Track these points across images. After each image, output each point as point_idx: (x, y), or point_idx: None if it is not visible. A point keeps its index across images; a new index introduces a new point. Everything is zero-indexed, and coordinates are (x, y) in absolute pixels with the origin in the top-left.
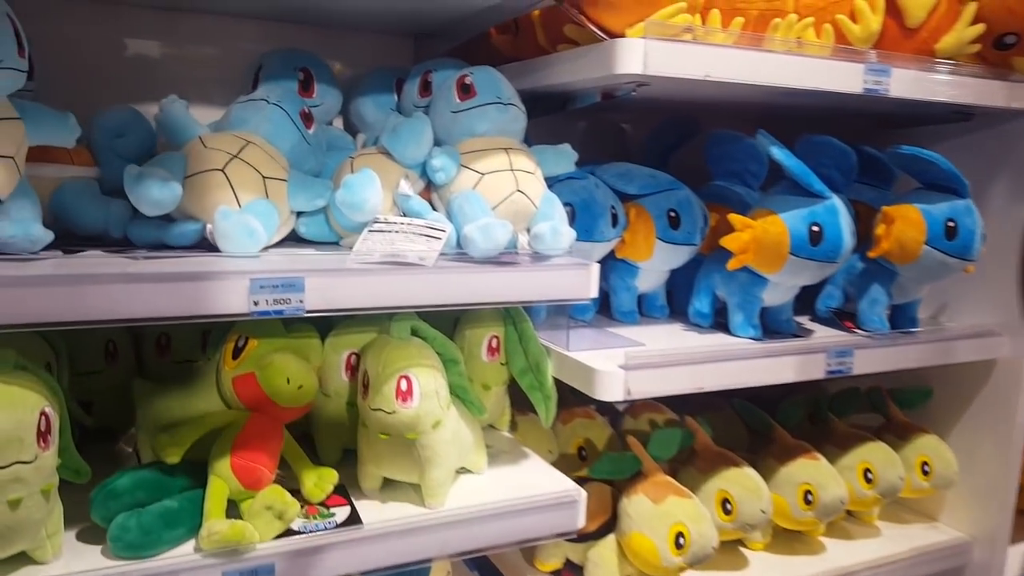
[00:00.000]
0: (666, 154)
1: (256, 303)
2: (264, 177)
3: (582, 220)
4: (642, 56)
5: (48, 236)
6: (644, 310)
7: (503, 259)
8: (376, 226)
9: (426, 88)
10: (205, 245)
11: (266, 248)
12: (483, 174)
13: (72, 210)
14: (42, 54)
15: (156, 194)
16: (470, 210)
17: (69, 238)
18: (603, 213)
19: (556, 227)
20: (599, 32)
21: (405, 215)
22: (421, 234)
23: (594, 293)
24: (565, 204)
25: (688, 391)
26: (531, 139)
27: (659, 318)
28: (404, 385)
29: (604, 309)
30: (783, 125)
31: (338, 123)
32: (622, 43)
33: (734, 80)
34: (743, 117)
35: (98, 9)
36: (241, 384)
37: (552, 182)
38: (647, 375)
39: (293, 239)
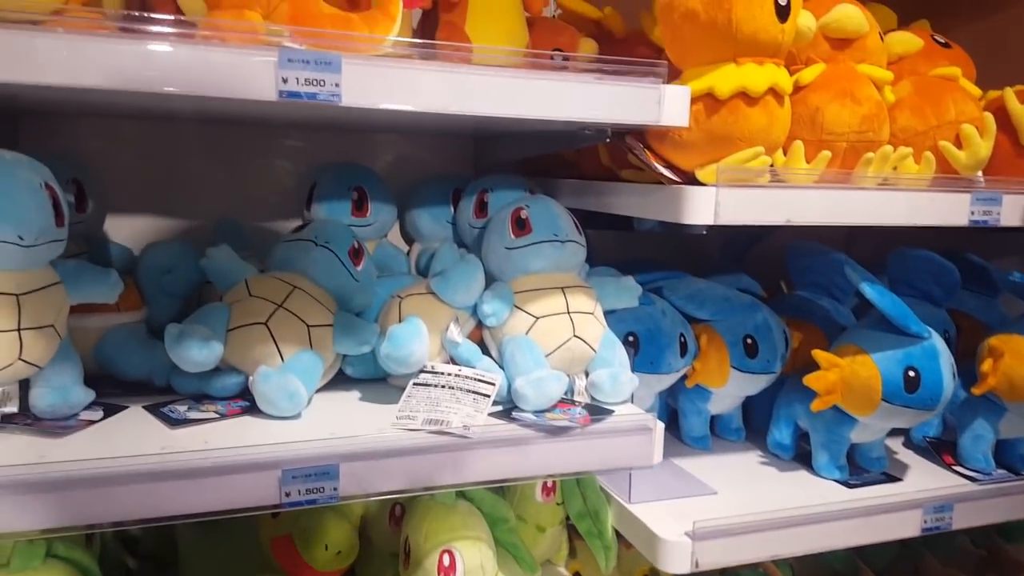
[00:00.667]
0: (742, 252)
1: (288, 494)
2: (309, 326)
3: (647, 351)
4: (713, 206)
5: (88, 397)
6: (717, 430)
7: (555, 422)
8: (422, 377)
9: (482, 208)
10: (248, 395)
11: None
12: (537, 318)
13: (116, 359)
14: (96, 174)
15: (196, 355)
16: (522, 360)
17: (114, 381)
18: (670, 344)
19: (616, 375)
20: (665, 173)
21: (454, 360)
22: (469, 390)
23: (657, 459)
24: (628, 333)
25: (763, 559)
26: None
27: (734, 442)
28: (447, 561)
29: (673, 425)
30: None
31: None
32: (690, 192)
33: (818, 223)
34: None
35: (149, 125)
36: (279, 547)
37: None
38: (717, 545)
39: (340, 377)
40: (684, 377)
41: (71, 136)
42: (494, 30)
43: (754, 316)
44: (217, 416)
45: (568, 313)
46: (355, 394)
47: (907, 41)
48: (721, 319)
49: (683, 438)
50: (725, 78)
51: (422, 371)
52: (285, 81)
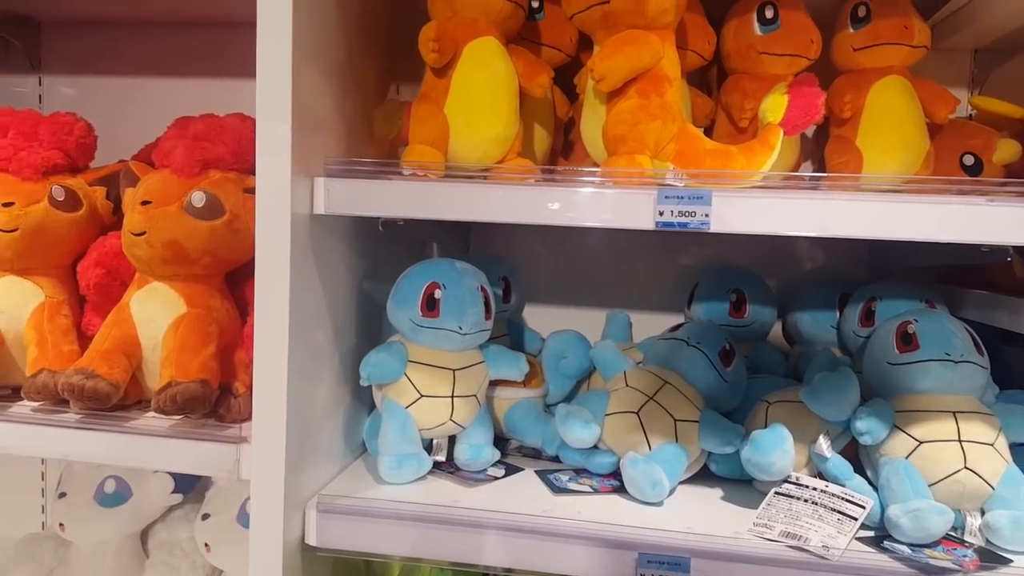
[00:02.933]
0: None
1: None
2: (676, 420)
3: None
4: None
5: (495, 456)
6: None
7: (934, 560)
8: (785, 487)
9: (868, 317)
10: (620, 475)
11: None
12: (921, 442)
13: (519, 426)
14: (521, 272)
15: (579, 434)
16: (899, 487)
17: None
18: None
19: (1018, 519)
20: None
21: (821, 475)
22: (834, 508)
23: None
24: None
25: None
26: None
27: None
28: None
29: None
30: None
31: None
32: None
33: None
34: None
35: (562, 232)
36: None
37: None
38: None
39: (705, 472)
40: None
41: (505, 239)
42: (888, 142)
43: None
44: (591, 491)
45: (960, 441)
46: (717, 491)
47: None
48: None
49: None
50: None
51: (786, 481)
52: (661, 214)
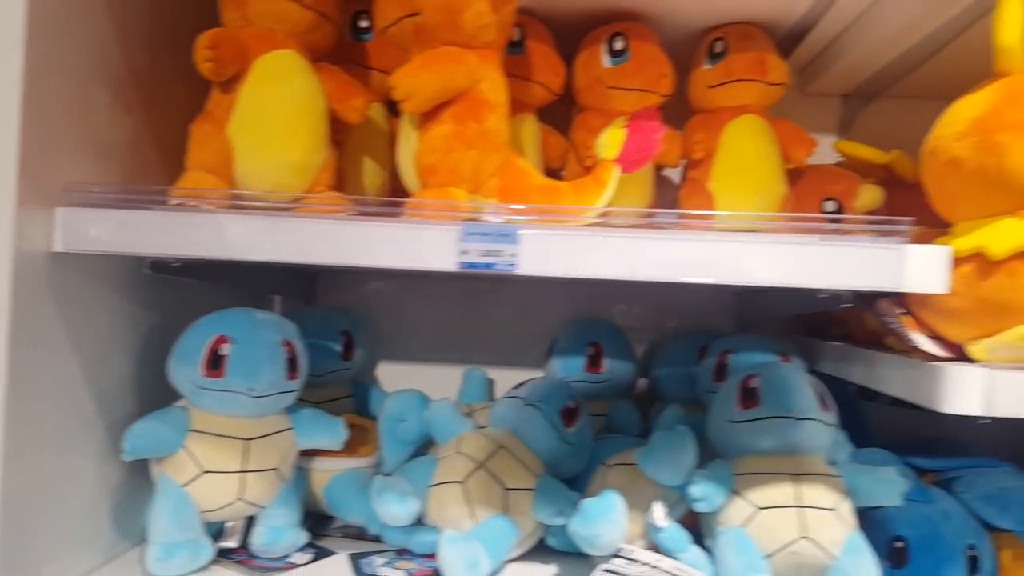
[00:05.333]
0: None
1: None
2: (507, 490)
3: (919, 565)
4: (980, 391)
5: (300, 540)
6: None
7: None
8: (614, 563)
9: (721, 372)
10: None
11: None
12: (759, 508)
13: (340, 502)
14: (370, 325)
15: (394, 510)
16: (732, 559)
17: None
18: (952, 557)
19: None
20: (922, 344)
21: (657, 548)
22: None
23: None
24: (895, 538)
25: None
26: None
27: None
28: None
29: None
30: None
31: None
32: (949, 371)
33: None
34: None
35: (417, 279)
36: None
37: None
38: None
39: (542, 547)
40: None
41: (358, 289)
42: (741, 184)
43: None
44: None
45: (798, 507)
46: (551, 569)
47: None
48: None
49: None
50: (1000, 235)
51: (616, 555)
52: (465, 252)
